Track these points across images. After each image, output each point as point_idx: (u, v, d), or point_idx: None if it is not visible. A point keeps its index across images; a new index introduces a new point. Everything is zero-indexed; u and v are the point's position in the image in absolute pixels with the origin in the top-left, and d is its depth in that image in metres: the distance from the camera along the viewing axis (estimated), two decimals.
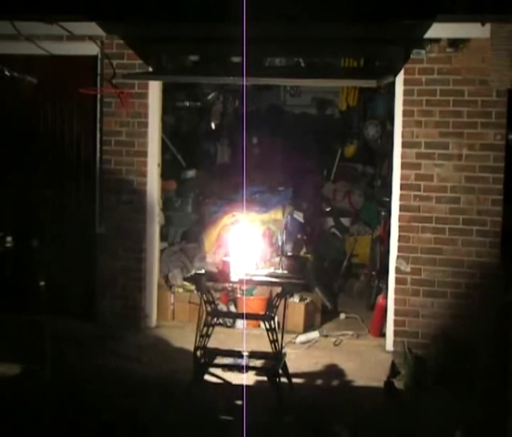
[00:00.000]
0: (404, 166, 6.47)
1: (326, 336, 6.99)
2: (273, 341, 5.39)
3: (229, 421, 5.00)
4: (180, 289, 7.41)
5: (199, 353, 5.43)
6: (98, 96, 6.96)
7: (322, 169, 9.91)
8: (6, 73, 6.04)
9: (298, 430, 4.93)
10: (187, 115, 9.49)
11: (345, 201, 9.45)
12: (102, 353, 6.22)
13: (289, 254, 7.15)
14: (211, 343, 5.50)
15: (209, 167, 9.38)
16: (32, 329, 5.94)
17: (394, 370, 5.86)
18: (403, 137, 6.47)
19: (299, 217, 8.34)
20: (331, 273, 8.57)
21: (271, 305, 5.75)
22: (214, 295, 6.37)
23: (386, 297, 6.75)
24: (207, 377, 5.52)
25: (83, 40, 6.86)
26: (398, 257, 6.53)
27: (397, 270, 6.54)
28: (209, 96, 9.32)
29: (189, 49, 7.18)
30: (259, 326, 6.76)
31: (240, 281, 5.68)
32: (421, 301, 6.43)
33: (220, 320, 6.70)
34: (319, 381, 5.91)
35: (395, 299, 6.56)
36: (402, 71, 6.43)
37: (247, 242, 5.87)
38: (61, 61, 6.89)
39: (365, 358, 6.44)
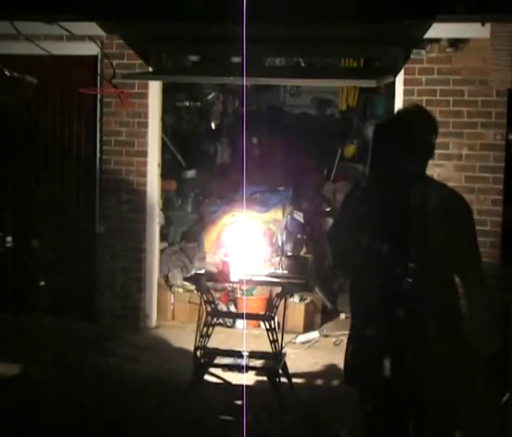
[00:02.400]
0: None
1: (326, 336, 6.99)
2: (273, 341, 5.39)
3: (229, 421, 4.99)
4: (180, 289, 7.41)
5: (199, 353, 5.42)
6: (98, 96, 6.97)
7: (323, 169, 9.89)
8: (6, 73, 6.04)
9: (298, 430, 4.93)
10: (187, 115, 9.48)
11: None
12: (102, 353, 6.22)
13: (289, 254, 7.16)
14: (211, 343, 5.49)
15: (209, 167, 9.37)
16: (32, 329, 5.94)
17: None
18: None
19: (299, 217, 8.34)
20: (331, 273, 8.56)
21: (271, 305, 5.75)
22: (214, 295, 6.37)
23: None
24: (207, 377, 5.52)
25: (83, 40, 6.87)
26: None
27: None
28: (209, 96, 9.31)
29: (189, 49, 7.18)
30: (259, 326, 6.76)
31: (240, 281, 5.68)
32: None
33: (220, 320, 6.70)
34: (319, 381, 5.91)
35: None
36: (402, 71, 6.43)
37: (247, 242, 5.87)
38: (61, 61, 6.89)
39: None
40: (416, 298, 2.95)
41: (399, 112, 3.54)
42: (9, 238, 5.45)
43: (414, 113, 3.43)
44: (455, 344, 3.01)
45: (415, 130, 3.28)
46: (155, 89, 6.98)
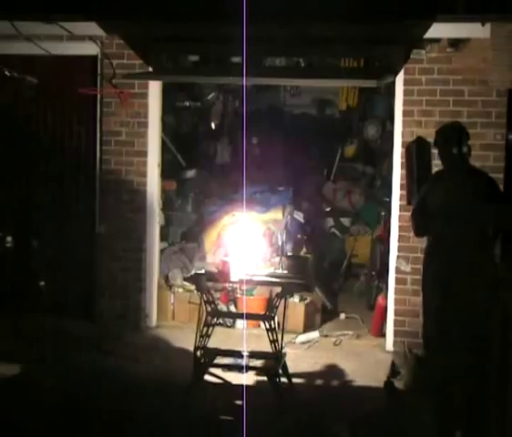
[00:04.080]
0: (404, 166, 6.46)
1: (326, 336, 6.99)
2: (273, 341, 5.39)
3: (229, 421, 5.00)
4: (180, 289, 7.41)
5: (199, 353, 5.42)
6: (98, 96, 6.96)
7: (323, 169, 9.91)
8: (6, 73, 6.04)
9: (298, 430, 4.93)
10: (187, 115, 9.49)
11: (345, 201, 9.45)
12: (102, 353, 6.22)
13: (289, 254, 7.15)
14: (211, 343, 5.50)
15: (209, 167, 9.38)
16: (32, 329, 5.95)
17: (394, 370, 5.85)
18: (403, 137, 6.47)
19: (299, 217, 8.34)
20: (331, 273, 8.57)
21: (271, 305, 5.75)
22: (214, 295, 6.36)
23: (386, 297, 6.75)
24: (207, 377, 5.52)
25: (83, 40, 6.87)
26: (398, 257, 6.53)
27: (397, 270, 6.54)
28: (209, 96, 9.32)
29: (189, 49, 7.17)
30: (259, 326, 6.76)
31: (240, 281, 5.68)
32: (421, 301, 6.41)
33: (220, 320, 6.70)
34: (319, 381, 5.91)
35: (395, 299, 6.56)
36: (402, 71, 6.43)
37: (247, 242, 5.87)
38: (61, 61, 6.89)
39: (365, 358, 6.44)
40: (471, 248, 4.63)
41: (447, 126, 5.01)
42: (9, 238, 5.45)
43: (457, 126, 4.98)
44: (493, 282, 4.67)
45: (463, 137, 4.79)
46: (155, 89, 6.98)
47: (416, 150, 5.08)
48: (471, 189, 4.69)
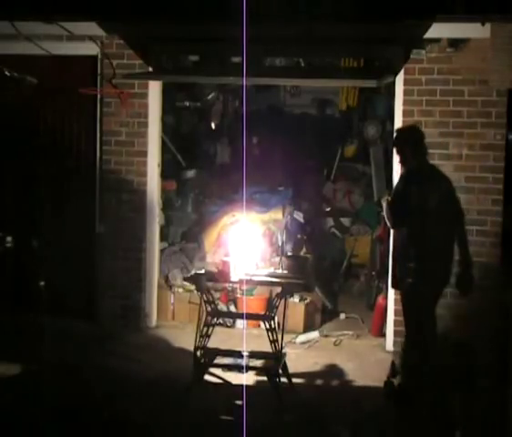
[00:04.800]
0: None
1: (326, 336, 6.99)
2: (273, 341, 5.39)
3: (229, 421, 5.00)
4: (180, 289, 7.42)
5: (199, 353, 5.42)
6: (98, 96, 6.96)
7: (322, 169, 9.90)
8: (6, 73, 6.04)
9: (298, 430, 4.93)
10: (187, 115, 9.48)
11: (345, 201, 9.45)
12: (102, 353, 6.22)
13: (289, 254, 7.15)
14: (211, 343, 5.50)
15: (209, 167, 9.38)
16: (32, 329, 5.94)
17: (394, 370, 5.85)
18: None
19: (299, 217, 8.34)
20: (331, 273, 8.57)
21: (271, 305, 5.75)
22: (214, 295, 6.36)
23: (386, 297, 6.75)
24: (207, 377, 5.52)
25: (83, 40, 6.86)
26: None
27: None
28: (209, 96, 9.31)
29: (189, 49, 7.18)
30: (259, 326, 6.76)
31: (240, 281, 5.68)
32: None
33: (220, 320, 6.70)
34: (319, 381, 5.91)
35: (395, 299, 6.55)
36: (402, 71, 6.43)
37: (247, 242, 5.86)
38: (61, 61, 6.90)
39: (365, 358, 6.44)
40: (436, 238, 5.05)
41: (403, 129, 5.80)
42: (9, 238, 5.44)
43: (415, 127, 5.65)
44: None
45: (419, 138, 5.30)
46: (155, 89, 6.98)
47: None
48: (435, 188, 5.13)
